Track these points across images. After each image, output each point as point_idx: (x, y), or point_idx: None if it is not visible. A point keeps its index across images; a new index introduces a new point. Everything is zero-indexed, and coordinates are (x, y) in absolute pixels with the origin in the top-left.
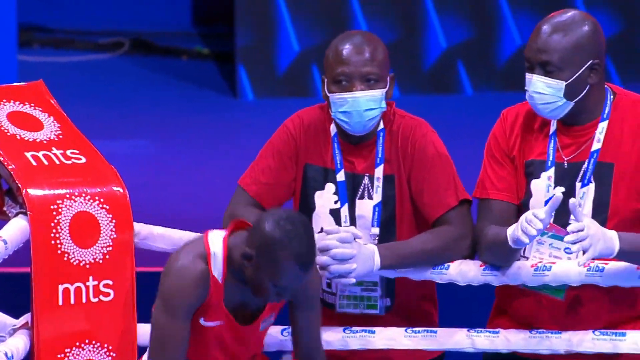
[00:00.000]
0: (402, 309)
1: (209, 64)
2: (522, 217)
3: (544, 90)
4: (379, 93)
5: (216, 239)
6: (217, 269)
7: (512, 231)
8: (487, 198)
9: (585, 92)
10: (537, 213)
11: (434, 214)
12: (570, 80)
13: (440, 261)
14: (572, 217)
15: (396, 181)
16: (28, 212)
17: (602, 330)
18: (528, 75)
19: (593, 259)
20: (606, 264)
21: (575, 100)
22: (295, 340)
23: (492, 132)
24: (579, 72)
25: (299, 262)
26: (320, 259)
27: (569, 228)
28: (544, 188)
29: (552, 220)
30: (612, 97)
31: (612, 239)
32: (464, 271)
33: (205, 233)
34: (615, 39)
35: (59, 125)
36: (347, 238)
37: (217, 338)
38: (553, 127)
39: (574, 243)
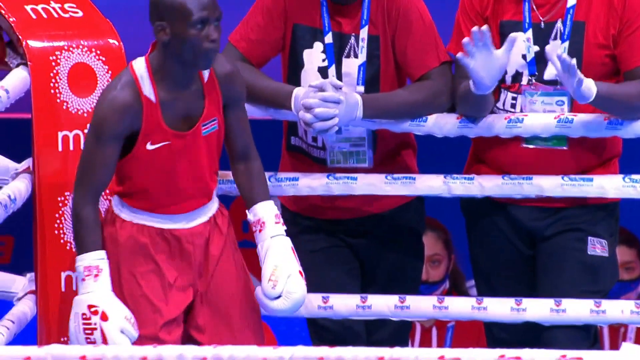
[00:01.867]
0: (383, 158)
1: None
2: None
3: None
4: None
5: (139, 63)
6: (147, 89)
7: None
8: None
9: None
10: (464, 52)
11: (416, 73)
12: None
13: (419, 114)
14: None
15: (381, 41)
16: (28, 63)
17: (570, 176)
18: None
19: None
20: (575, 115)
21: None
22: (229, 142)
23: None
24: None
25: None
26: (305, 116)
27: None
28: (521, 47)
29: (532, 78)
30: None
31: (590, 80)
32: (441, 123)
33: (130, 63)
34: None
35: None
36: (331, 97)
37: (168, 159)
38: None
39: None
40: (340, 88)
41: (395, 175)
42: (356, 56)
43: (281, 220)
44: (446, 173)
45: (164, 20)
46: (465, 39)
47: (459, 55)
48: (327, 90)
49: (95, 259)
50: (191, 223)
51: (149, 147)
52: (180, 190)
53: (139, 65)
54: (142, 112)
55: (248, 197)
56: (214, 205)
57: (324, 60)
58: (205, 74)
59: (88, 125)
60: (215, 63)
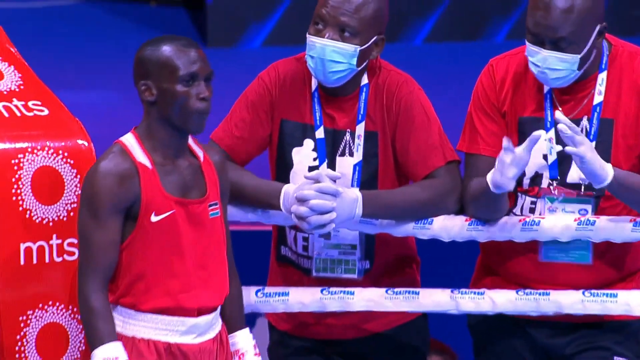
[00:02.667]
0: (381, 272)
1: (178, 9)
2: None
3: (558, 66)
4: (350, 48)
5: (126, 136)
6: (140, 156)
7: (491, 174)
8: (475, 153)
9: (593, 55)
10: (509, 146)
11: (420, 173)
12: (584, 52)
13: (424, 215)
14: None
15: (379, 138)
16: None
17: (592, 291)
18: (534, 48)
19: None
20: (597, 217)
21: (584, 67)
22: None
23: (480, 83)
24: (591, 41)
25: (175, 41)
26: (299, 209)
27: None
28: (543, 148)
29: (554, 182)
30: (608, 47)
31: (607, 164)
32: (448, 226)
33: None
34: None
35: (20, 75)
36: (328, 189)
37: (174, 232)
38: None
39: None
40: (337, 180)
41: (397, 290)
42: (351, 154)
43: (258, 351)
44: (449, 286)
45: (149, 78)
46: (507, 141)
47: (505, 144)
48: (323, 182)
49: (114, 352)
50: (200, 338)
51: (154, 218)
52: (187, 272)
53: (127, 137)
54: (139, 179)
55: (224, 321)
56: (220, 320)
57: (315, 159)
58: (200, 153)
59: (79, 209)
60: (207, 150)
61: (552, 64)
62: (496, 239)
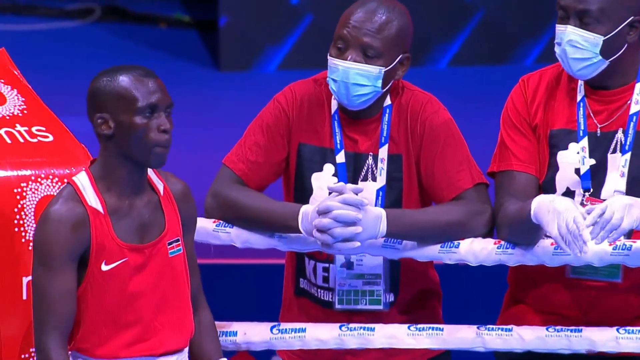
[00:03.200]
0: (405, 305)
1: (190, 32)
2: (566, 210)
3: (579, 44)
4: (374, 70)
5: (78, 175)
6: (92, 198)
7: (537, 203)
8: (507, 170)
9: (622, 51)
10: (580, 222)
11: (447, 196)
12: (608, 36)
13: (451, 237)
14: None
15: (403, 161)
16: None
17: (627, 328)
18: (560, 27)
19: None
20: (634, 242)
21: (610, 59)
22: None
23: (510, 99)
24: (619, 28)
25: (132, 70)
26: (322, 221)
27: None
28: (574, 160)
29: (585, 193)
30: None
31: None
32: (476, 249)
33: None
34: None
35: (23, 99)
36: (352, 200)
37: (127, 281)
38: (581, 93)
39: (593, 224)
40: (365, 204)
41: (420, 326)
42: (374, 179)
43: None
44: (472, 319)
45: (106, 111)
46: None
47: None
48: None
49: None
50: None
51: (104, 267)
52: (145, 320)
53: (79, 177)
54: (90, 226)
55: (197, 355)
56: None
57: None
58: (160, 186)
59: (32, 260)
60: (167, 180)
61: (573, 40)
62: (526, 263)
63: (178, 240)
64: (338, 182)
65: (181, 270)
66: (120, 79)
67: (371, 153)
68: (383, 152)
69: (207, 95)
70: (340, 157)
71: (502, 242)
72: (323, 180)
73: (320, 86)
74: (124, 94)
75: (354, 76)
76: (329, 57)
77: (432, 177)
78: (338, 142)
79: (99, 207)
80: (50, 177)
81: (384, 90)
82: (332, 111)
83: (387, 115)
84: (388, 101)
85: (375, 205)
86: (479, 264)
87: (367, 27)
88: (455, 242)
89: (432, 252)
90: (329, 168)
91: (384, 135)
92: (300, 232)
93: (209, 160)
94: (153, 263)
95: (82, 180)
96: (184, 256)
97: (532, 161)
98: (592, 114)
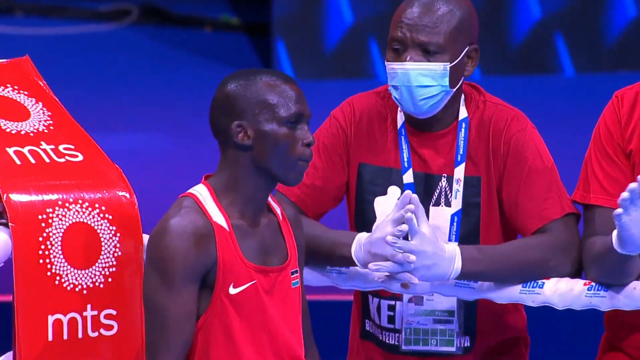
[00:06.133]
0: (483, 352)
1: (239, 36)
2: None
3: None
4: (438, 67)
5: (197, 188)
6: (215, 214)
7: (615, 232)
8: (593, 204)
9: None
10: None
11: (531, 226)
12: (454, 64)
13: (534, 276)
14: None
15: (483, 185)
16: (10, 224)
17: None
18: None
19: None
20: None
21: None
22: None
23: (603, 119)
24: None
25: (274, 75)
26: (385, 249)
27: None
28: None
29: None
30: None
31: None
32: (563, 291)
33: (183, 194)
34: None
35: (49, 113)
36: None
37: (256, 307)
38: None
39: None
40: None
41: None
42: (448, 204)
43: None
44: None
45: (244, 118)
46: (625, 194)
47: (616, 212)
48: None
49: None
50: None
51: (233, 291)
52: (266, 355)
53: (198, 189)
54: (216, 244)
55: None
56: None
57: None
58: (278, 210)
59: (145, 277)
60: (280, 202)
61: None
62: (621, 308)
63: (297, 272)
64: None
65: (299, 305)
66: (261, 84)
67: (445, 174)
68: (459, 172)
69: None
70: (408, 177)
71: (593, 284)
72: (388, 205)
73: (383, 99)
74: (266, 100)
75: (415, 77)
76: (386, 63)
77: (515, 204)
78: (405, 159)
79: (224, 223)
80: (80, 201)
81: (454, 90)
82: (398, 125)
83: (463, 130)
84: (464, 113)
85: (450, 234)
86: (566, 307)
87: (423, 22)
88: (539, 282)
89: (513, 294)
90: (394, 191)
91: (460, 153)
92: (355, 263)
93: None
94: (279, 291)
95: (203, 192)
96: (300, 291)
97: None
98: None
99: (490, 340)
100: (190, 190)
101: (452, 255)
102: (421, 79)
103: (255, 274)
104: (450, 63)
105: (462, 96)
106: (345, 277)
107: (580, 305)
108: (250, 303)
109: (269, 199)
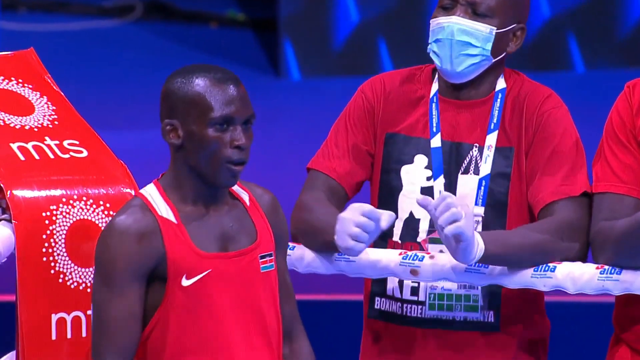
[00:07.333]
0: (508, 330)
1: (245, 33)
2: None
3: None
4: (484, 29)
5: (146, 187)
6: (163, 210)
7: None
8: (605, 192)
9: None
10: None
11: (544, 199)
12: (500, 31)
13: (547, 258)
14: None
15: (514, 157)
16: (13, 220)
17: None
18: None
19: None
20: None
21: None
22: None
23: (615, 108)
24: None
25: (211, 73)
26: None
27: None
28: None
29: None
30: None
31: None
32: (575, 274)
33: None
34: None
35: (54, 108)
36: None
37: (214, 300)
38: None
39: None
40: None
41: None
42: (477, 172)
43: None
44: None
45: (176, 117)
46: None
47: None
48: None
49: None
50: None
51: (185, 282)
52: (233, 346)
53: (147, 189)
54: (163, 238)
55: None
56: None
57: (428, 179)
58: (244, 196)
59: (93, 276)
60: (252, 190)
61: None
62: (633, 292)
63: (271, 255)
64: (432, 174)
65: (273, 289)
66: (195, 82)
67: (477, 144)
68: (491, 139)
69: (266, 106)
70: (436, 142)
71: (606, 267)
72: (415, 174)
73: (414, 75)
74: (197, 100)
75: (459, 34)
76: (431, 20)
77: (533, 176)
78: (434, 124)
79: (171, 217)
80: (84, 198)
81: (494, 60)
82: (431, 94)
83: (499, 100)
84: (502, 84)
85: (477, 197)
86: (578, 291)
87: None
88: (551, 266)
89: (524, 278)
90: (420, 160)
91: (494, 121)
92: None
93: (271, 179)
94: (243, 276)
95: (151, 192)
96: (275, 274)
97: (637, 181)
98: None
99: (515, 315)
100: (141, 191)
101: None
102: (465, 36)
103: (210, 262)
104: (498, 29)
105: (502, 70)
106: (354, 266)
107: (592, 289)
108: (205, 293)
109: (235, 187)
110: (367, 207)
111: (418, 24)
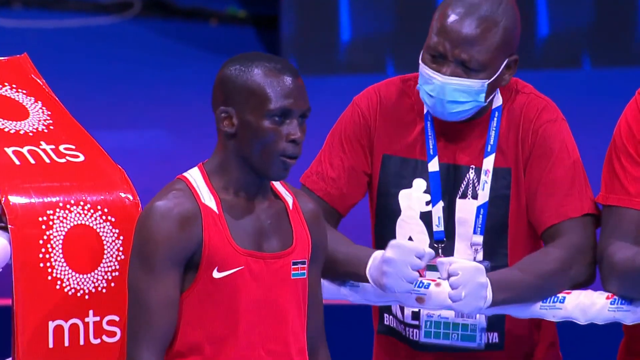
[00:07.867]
0: (513, 348)
1: (246, 30)
2: None
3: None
4: (476, 85)
5: (191, 171)
6: (206, 197)
7: None
8: (614, 205)
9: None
10: None
11: (546, 221)
12: (492, 80)
13: (557, 287)
14: None
15: (512, 177)
16: (9, 226)
17: None
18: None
19: None
20: None
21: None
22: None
23: (624, 117)
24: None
25: (271, 63)
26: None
27: None
28: None
29: None
30: None
31: None
32: (585, 305)
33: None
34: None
35: (49, 112)
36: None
37: (239, 298)
38: None
39: None
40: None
41: None
42: (475, 196)
43: None
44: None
45: (231, 105)
46: None
47: None
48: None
49: None
50: None
51: (217, 275)
52: (253, 346)
53: (192, 172)
54: (203, 226)
55: None
56: None
57: (427, 204)
58: (288, 199)
59: (130, 260)
60: (298, 196)
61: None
62: None
63: (304, 263)
64: (430, 199)
65: (300, 298)
66: (254, 71)
67: (473, 166)
68: (488, 163)
69: None
70: (433, 165)
71: (616, 297)
72: (413, 198)
73: (409, 87)
74: (255, 90)
75: (451, 93)
76: (421, 62)
77: (534, 196)
78: (431, 147)
79: (213, 206)
80: (82, 203)
81: (487, 102)
82: (425, 110)
83: (495, 119)
84: (499, 101)
85: (475, 226)
86: (589, 322)
87: (468, 39)
88: (560, 297)
89: (534, 309)
90: (419, 184)
91: (491, 143)
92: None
93: None
94: (272, 279)
95: (195, 175)
96: (305, 284)
97: None
98: None
99: (521, 336)
100: (184, 174)
101: (483, 285)
102: (457, 94)
103: (244, 259)
104: (489, 79)
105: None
106: (359, 290)
107: (603, 320)
108: (232, 288)
109: (280, 187)
110: (418, 248)
111: (422, 25)
